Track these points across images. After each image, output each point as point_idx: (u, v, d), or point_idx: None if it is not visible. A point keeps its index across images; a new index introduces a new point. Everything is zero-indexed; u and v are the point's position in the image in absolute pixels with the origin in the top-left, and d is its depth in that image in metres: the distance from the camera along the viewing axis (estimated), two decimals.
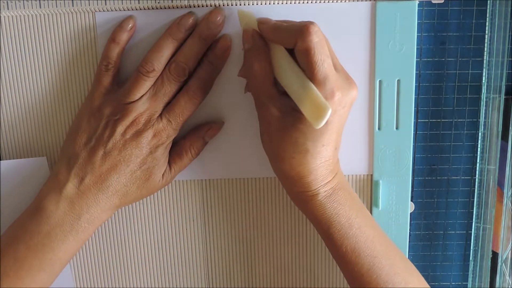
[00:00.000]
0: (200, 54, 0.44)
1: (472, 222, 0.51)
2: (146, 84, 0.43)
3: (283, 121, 0.40)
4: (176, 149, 0.46)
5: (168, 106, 0.44)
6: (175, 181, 0.49)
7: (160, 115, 0.44)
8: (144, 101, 0.43)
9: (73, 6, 0.45)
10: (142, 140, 0.43)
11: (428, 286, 0.45)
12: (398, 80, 0.47)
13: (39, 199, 0.44)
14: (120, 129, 0.43)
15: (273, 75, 0.41)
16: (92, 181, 0.43)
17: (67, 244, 0.43)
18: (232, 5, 0.45)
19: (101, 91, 0.44)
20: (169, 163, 0.46)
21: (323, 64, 0.38)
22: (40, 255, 0.42)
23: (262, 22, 0.42)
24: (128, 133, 0.43)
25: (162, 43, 0.44)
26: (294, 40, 0.39)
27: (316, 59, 0.38)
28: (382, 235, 0.44)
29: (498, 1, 0.46)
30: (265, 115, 0.42)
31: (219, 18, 0.44)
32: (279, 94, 0.41)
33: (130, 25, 0.44)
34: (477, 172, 0.50)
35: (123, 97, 0.43)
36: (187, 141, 0.46)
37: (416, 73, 0.47)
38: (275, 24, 0.41)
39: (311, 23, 0.38)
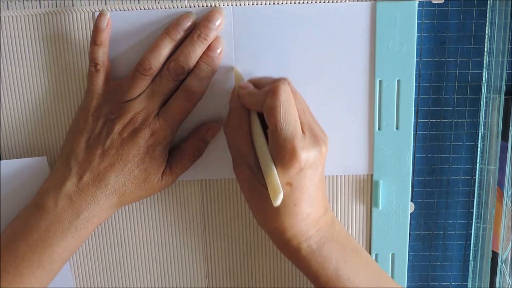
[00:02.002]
0: (199, 54, 0.44)
1: (472, 222, 0.51)
2: (143, 83, 0.43)
3: (255, 180, 0.41)
4: (177, 151, 0.46)
5: (165, 105, 0.44)
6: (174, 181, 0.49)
7: (157, 115, 0.44)
8: (141, 99, 0.43)
9: (73, 6, 0.45)
10: (139, 139, 0.43)
11: None
12: (398, 80, 0.47)
13: (39, 196, 0.44)
14: (117, 127, 0.43)
15: (248, 136, 0.42)
16: (90, 179, 0.43)
17: (66, 241, 0.43)
18: (232, 5, 0.45)
19: (97, 92, 0.44)
20: (170, 165, 0.46)
21: (288, 124, 0.38)
22: (39, 251, 0.43)
23: (241, 87, 0.43)
24: (126, 131, 0.43)
25: (160, 42, 0.44)
26: (264, 101, 0.39)
27: (280, 119, 0.38)
28: (375, 277, 0.43)
29: (498, 1, 0.46)
30: (239, 173, 0.42)
31: (218, 18, 0.44)
32: (253, 155, 0.41)
33: (105, 23, 0.44)
34: (477, 172, 0.50)
35: (120, 95, 0.44)
36: (188, 142, 0.46)
37: (416, 73, 0.47)
38: (251, 90, 0.42)
39: (281, 81, 0.39)
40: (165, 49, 0.44)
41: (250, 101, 0.42)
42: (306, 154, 0.38)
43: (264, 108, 0.39)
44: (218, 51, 0.45)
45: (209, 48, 0.45)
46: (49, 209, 0.43)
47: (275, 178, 0.37)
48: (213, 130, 0.47)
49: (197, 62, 0.44)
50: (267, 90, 0.39)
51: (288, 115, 0.38)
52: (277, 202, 0.37)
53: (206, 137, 0.47)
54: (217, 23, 0.44)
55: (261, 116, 0.41)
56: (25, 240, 0.43)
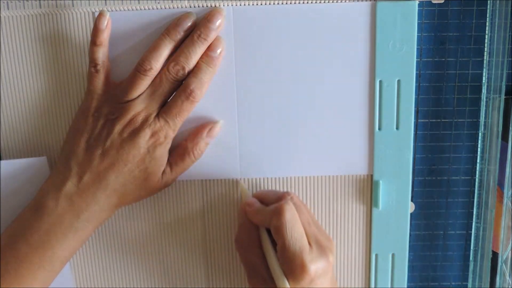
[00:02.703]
0: (199, 54, 0.44)
1: (472, 222, 0.51)
2: (143, 83, 0.43)
3: None
4: (178, 151, 0.46)
5: (165, 106, 0.44)
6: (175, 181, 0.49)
7: (158, 115, 0.44)
8: (141, 100, 0.43)
9: (73, 6, 0.45)
10: (139, 139, 0.43)
11: None
12: (398, 80, 0.47)
13: (39, 197, 0.44)
14: (117, 128, 0.43)
15: (260, 250, 0.43)
16: (91, 180, 0.43)
17: (67, 242, 0.43)
18: (232, 5, 0.45)
19: (97, 92, 0.44)
20: (171, 164, 0.46)
21: (295, 241, 0.40)
22: (40, 251, 0.43)
23: (248, 204, 0.45)
24: (126, 132, 0.43)
25: (160, 42, 0.44)
26: (270, 220, 0.41)
27: (287, 237, 0.40)
28: None
29: (498, 1, 0.46)
30: (253, 284, 0.43)
31: (218, 18, 0.44)
32: (266, 267, 0.42)
33: (105, 24, 0.44)
34: (477, 172, 0.50)
35: (120, 96, 0.44)
36: (189, 143, 0.46)
37: (416, 73, 0.47)
38: (257, 208, 0.44)
39: (286, 202, 0.42)
40: (165, 49, 0.44)
41: (257, 219, 0.44)
42: (315, 266, 0.40)
43: (271, 227, 0.42)
44: (218, 51, 0.45)
45: (209, 48, 0.45)
46: (49, 209, 0.43)
47: None
48: (213, 130, 0.47)
49: (197, 62, 0.44)
50: (272, 209, 0.42)
51: (294, 232, 0.41)
52: None
53: (207, 137, 0.47)
54: (217, 23, 0.44)
55: (269, 230, 0.43)
56: (26, 240, 0.43)
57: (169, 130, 0.44)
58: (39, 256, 0.43)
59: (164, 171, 0.46)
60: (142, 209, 0.50)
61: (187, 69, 0.44)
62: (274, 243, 0.42)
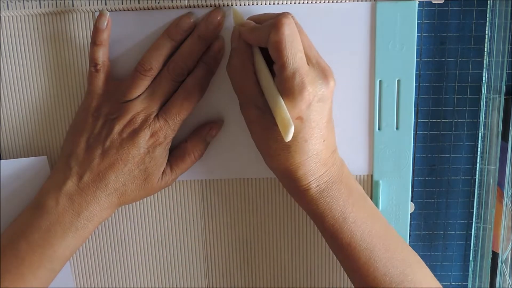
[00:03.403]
0: (199, 54, 0.44)
1: (472, 222, 0.51)
2: (143, 83, 0.43)
3: (264, 120, 0.40)
4: (178, 151, 0.46)
5: (165, 106, 0.44)
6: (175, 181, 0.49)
7: (157, 115, 0.44)
8: (141, 100, 0.43)
9: (73, 6, 0.45)
10: (139, 139, 0.43)
11: (430, 274, 0.44)
12: (398, 80, 0.47)
13: (40, 196, 0.44)
14: (117, 128, 0.43)
15: (253, 75, 0.41)
16: (91, 179, 0.43)
17: (67, 241, 0.43)
18: (231, 5, 0.45)
19: (97, 92, 0.44)
20: (171, 165, 0.46)
21: (294, 58, 0.37)
22: (40, 250, 0.43)
23: (242, 24, 0.42)
24: (125, 132, 0.43)
25: (161, 42, 0.44)
26: (268, 36, 0.38)
27: (286, 53, 0.37)
28: (382, 227, 0.43)
29: (498, 1, 0.46)
30: (247, 114, 0.42)
31: (218, 18, 0.44)
32: (260, 94, 0.41)
33: (105, 24, 0.44)
34: (477, 172, 0.50)
35: (120, 96, 0.44)
36: (189, 143, 0.46)
37: (416, 73, 0.47)
38: (253, 26, 0.41)
39: (284, 15, 0.38)
40: (166, 49, 0.44)
41: (253, 37, 0.41)
42: (314, 87, 0.38)
43: (269, 43, 0.38)
44: (218, 51, 0.45)
45: (209, 48, 0.45)
46: (50, 208, 0.43)
47: (284, 112, 0.37)
48: (213, 130, 0.47)
49: (197, 62, 0.44)
50: (270, 24, 0.38)
51: (294, 48, 0.37)
52: (289, 136, 0.36)
53: (207, 137, 0.47)
54: (217, 23, 0.44)
55: (264, 53, 0.40)
56: (26, 240, 0.43)
57: (169, 130, 0.44)
58: (40, 255, 0.43)
59: (164, 171, 0.46)
60: (142, 209, 0.50)
61: (187, 69, 0.44)
62: (269, 66, 0.40)
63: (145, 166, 0.44)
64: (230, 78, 0.43)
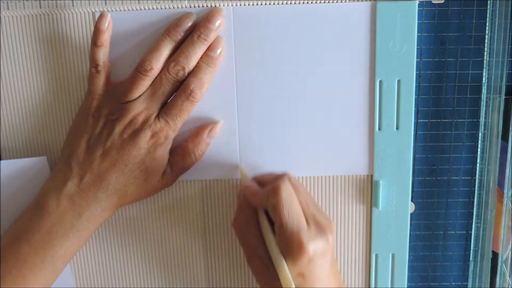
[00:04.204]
0: (199, 54, 0.44)
1: (472, 222, 0.51)
2: (144, 84, 0.43)
3: (268, 274, 0.41)
4: (178, 152, 0.46)
5: (165, 106, 0.44)
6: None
7: (158, 116, 0.44)
8: (141, 100, 0.43)
9: (73, 6, 0.45)
10: (140, 140, 0.43)
11: None
12: (398, 80, 0.47)
13: (40, 197, 0.44)
14: (118, 128, 0.43)
15: (258, 231, 0.43)
16: (91, 180, 0.43)
17: (68, 242, 0.43)
18: (232, 5, 0.45)
19: (97, 93, 0.44)
20: (171, 165, 0.46)
21: (292, 219, 0.40)
22: (41, 252, 0.43)
23: (246, 187, 0.44)
24: (126, 132, 0.43)
25: (161, 43, 0.44)
26: (267, 200, 0.41)
27: (284, 216, 0.40)
28: None
29: (498, 1, 0.46)
30: (253, 266, 0.43)
31: (218, 18, 0.44)
32: (264, 248, 0.42)
33: (106, 25, 0.44)
34: (477, 172, 0.50)
35: (121, 96, 0.44)
36: (190, 143, 0.47)
37: (416, 73, 0.47)
38: (255, 190, 0.44)
39: (281, 180, 0.41)
40: (166, 50, 0.44)
41: (255, 201, 0.43)
42: (313, 245, 0.39)
43: (268, 207, 0.41)
44: (218, 51, 0.45)
45: (209, 48, 0.45)
46: (50, 209, 0.43)
47: (285, 272, 0.39)
48: (213, 130, 0.47)
49: (198, 62, 0.44)
50: (269, 189, 0.41)
51: (291, 210, 0.40)
52: None
53: (207, 137, 0.47)
54: (217, 23, 0.44)
55: (268, 212, 0.42)
56: (27, 241, 0.43)
57: (170, 131, 0.44)
58: (41, 256, 0.43)
59: (164, 172, 0.46)
60: (142, 209, 0.50)
61: (187, 70, 0.44)
62: (272, 225, 0.42)
63: (145, 166, 0.44)
64: (236, 233, 0.45)
